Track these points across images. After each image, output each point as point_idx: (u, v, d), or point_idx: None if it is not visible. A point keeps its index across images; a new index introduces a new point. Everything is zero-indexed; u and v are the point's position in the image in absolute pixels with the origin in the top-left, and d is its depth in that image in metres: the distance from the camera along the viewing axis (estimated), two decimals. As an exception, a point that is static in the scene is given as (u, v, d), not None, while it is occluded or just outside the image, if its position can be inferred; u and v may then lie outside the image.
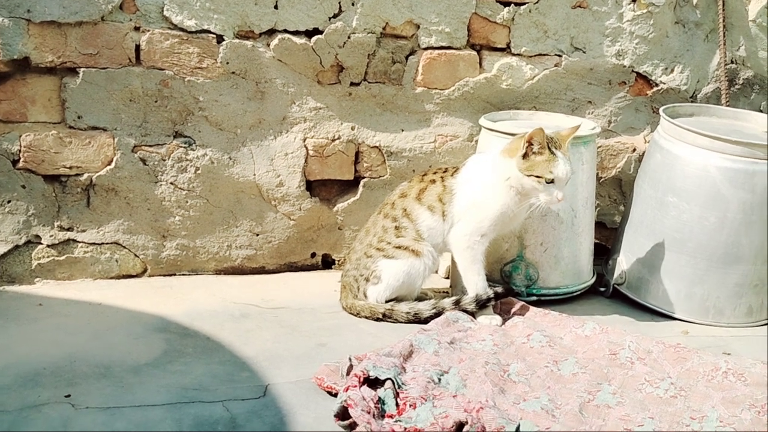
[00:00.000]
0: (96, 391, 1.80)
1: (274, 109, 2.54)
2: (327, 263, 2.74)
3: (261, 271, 2.66)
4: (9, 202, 2.36)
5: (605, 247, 2.80)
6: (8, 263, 2.40)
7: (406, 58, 2.60)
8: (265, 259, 2.65)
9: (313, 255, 2.72)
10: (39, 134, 2.34)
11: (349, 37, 2.51)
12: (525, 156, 2.14)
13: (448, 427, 1.62)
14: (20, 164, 2.35)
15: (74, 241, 2.45)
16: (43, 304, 2.29)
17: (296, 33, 2.48)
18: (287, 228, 2.64)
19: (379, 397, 1.73)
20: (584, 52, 2.70)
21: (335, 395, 1.82)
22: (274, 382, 1.90)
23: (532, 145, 2.13)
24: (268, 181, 2.58)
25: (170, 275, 2.57)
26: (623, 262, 2.54)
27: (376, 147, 2.65)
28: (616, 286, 2.56)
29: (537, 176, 2.13)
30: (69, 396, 1.77)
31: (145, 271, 2.55)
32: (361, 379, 1.77)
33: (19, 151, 2.34)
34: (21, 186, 2.36)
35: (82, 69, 2.32)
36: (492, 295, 2.27)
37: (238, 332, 2.18)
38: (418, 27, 2.57)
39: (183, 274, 2.58)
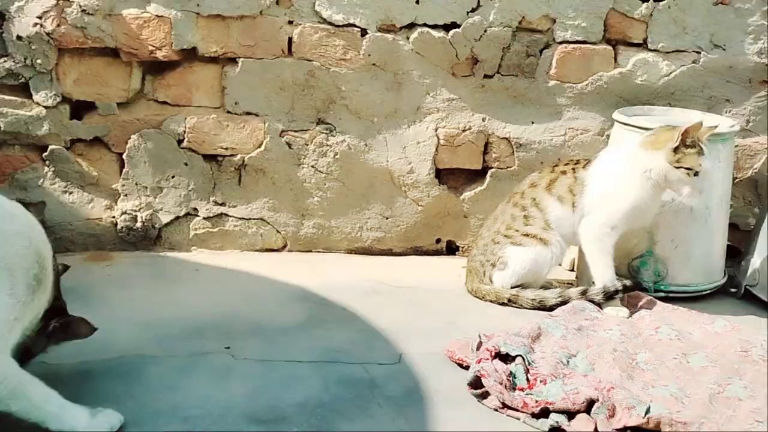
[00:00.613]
0: (251, 346, 2.00)
1: (409, 99, 2.68)
2: (451, 249, 2.86)
3: (388, 253, 2.81)
4: (173, 177, 2.62)
5: (737, 250, 2.76)
6: (170, 232, 2.67)
7: (541, 51, 2.67)
8: (393, 242, 2.80)
9: (438, 241, 2.84)
10: (201, 117, 2.59)
11: (485, 31, 2.61)
12: (676, 149, 2.18)
13: (579, 403, 1.70)
14: (184, 144, 2.61)
15: (226, 215, 2.69)
16: (199, 270, 2.54)
17: (435, 27, 2.61)
18: (415, 213, 2.78)
19: (510, 371, 1.82)
20: (724, 50, 2.67)
21: (466, 368, 1.93)
22: (407, 351, 2.04)
23: (687, 138, 2.17)
24: (399, 168, 2.73)
25: (307, 251, 2.76)
26: (757, 263, 2.51)
27: (506, 138, 2.74)
28: (748, 287, 2.53)
29: (687, 168, 2.17)
30: (228, 348, 1.98)
31: (285, 246, 2.76)
32: (493, 354, 1.87)
33: (184, 131, 2.60)
34: (184, 163, 2.62)
35: (241, 59, 2.55)
36: (620, 287, 2.31)
37: (371, 306, 2.33)
38: (554, 21, 2.64)
39: (318, 251, 2.77)
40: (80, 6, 2.40)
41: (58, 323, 1.62)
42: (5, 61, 2.42)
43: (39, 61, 2.43)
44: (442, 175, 2.78)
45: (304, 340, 2.06)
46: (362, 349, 2.03)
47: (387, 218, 2.77)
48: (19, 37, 2.40)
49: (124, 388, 1.74)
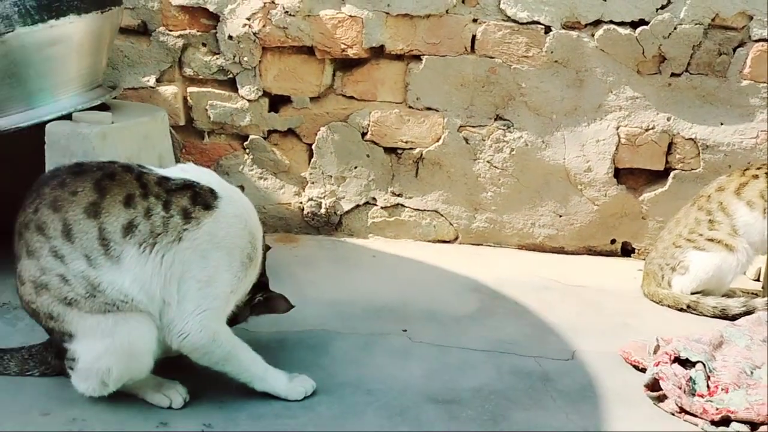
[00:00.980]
0: (426, 331, 2.10)
1: (590, 97, 2.65)
2: (626, 251, 2.80)
3: (560, 251, 2.80)
4: (356, 168, 2.79)
5: None
6: (350, 219, 2.84)
7: (734, 50, 2.54)
8: (565, 240, 2.79)
9: (613, 241, 2.79)
10: (385, 112, 2.73)
11: (675, 29, 2.53)
12: None
13: (763, 414, 1.63)
14: (367, 136, 2.76)
15: (402, 205, 2.81)
16: (376, 256, 2.68)
17: (621, 24, 2.57)
18: (590, 212, 2.75)
19: (690, 377, 1.78)
20: None
21: (641, 370, 1.91)
22: (579, 349, 2.04)
23: None
24: (576, 166, 2.71)
25: (477, 245, 2.83)
26: None
27: (691, 139, 2.64)
28: None
29: None
30: (405, 330, 2.09)
31: (456, 238, 2.84)
32: (672, 358, 1.84)
33: (368, 125, 2.75)
34: (366, 155, 2.78)
35: (425, 56, 2.66)
36: (814, 300, 2.17)
37: (542, 302, 2.35)
38: (751, 18, 2.50)
39: (488, 245, 2.82)
40: (284, 8, 2.62)
41: (262, 297, 1.81)
42: (217, 59, 2.70)
43: (245, 58, 2.68)
44: (620, 174, 2.73)
45: (476, 330, 2.13)
46: (535, 343, 2.06)
47: (560, 216, 2.77)
48: (230, 37, 2.66)
49: (313, 358, 1.90)
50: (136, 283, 1.55)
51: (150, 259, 1.56)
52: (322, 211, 2.82)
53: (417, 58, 2.67)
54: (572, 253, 2.79)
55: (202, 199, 1.63)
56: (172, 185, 1.63)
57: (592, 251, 2.79)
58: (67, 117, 2.08)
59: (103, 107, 2.19)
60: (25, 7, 1.94)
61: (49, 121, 2.05)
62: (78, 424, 1.58)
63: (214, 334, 1.62)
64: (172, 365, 1.69)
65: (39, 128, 2.07)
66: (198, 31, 2.68)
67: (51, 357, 1.72)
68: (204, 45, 2.69)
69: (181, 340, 1.60)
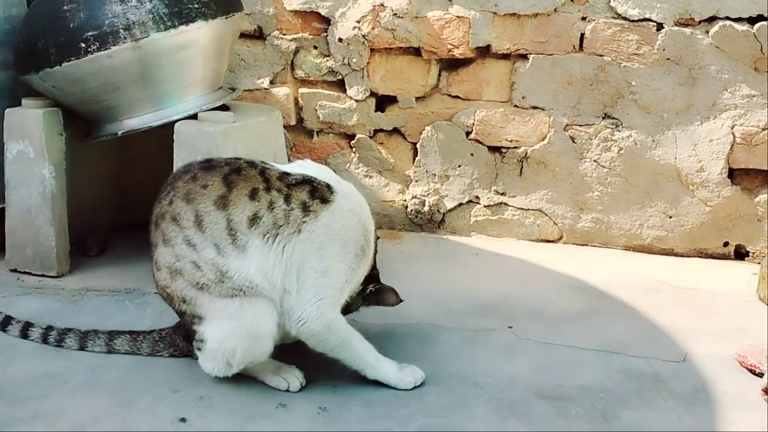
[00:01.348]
0: (531, 328, 2.11)
1: (704, 95, 2.58)
2: (740, 254, 2.70)
3: (669, 252, 2.73)
4: (459, 166, 2.82)
5: None
6: (453, 217, 2.88)
7: None
8: (675, 242, 2.72)
9: (726, 244, 2.70)
10: (489, 111, 2.75)
11: (798, 23, 2.43)
12: None
13: None
14: (472, 135, 2.79)
15: (505, 204, 2.83)
16: (478, 254, 2.71)
17: (737, 20, 2.48)
18: (702, 214, 2.67)
19: (814, 383, 1.71)
20: None
21: (758, 374, 1.85)
22: (692, 352, 2.00)
23: None
24: (688, 166, 2.64)
25: (582, 245, 2.80)
26: None
27: (815, 138, 2.52)
28: None
29: None
30: (511, 327, 2.11)
31: (560, 238, 2.82)
32: (793, 363, 1.77)
33: (473, 124, 2.78)
34: (470, 154, 2.81)
35: (531, 55, 2.66)
36: None
37: (652, 304, 2.30)
38: None
39: (593, 246, 2.79)
40: (392, 10, 2.69)
41: (373, 288, 1.87)
42: (327, 61, 2.80)
43: (354, 60, 2.77)
44: (735, 175, 2.63)
45: (583, 329, 2.12)
46: (644, 344, 2.03)
47: (670, 217, 2.70)
48: (340, 39, 2.76)
49: (421, 350, 1.95)
50: (260, 272, 1.65)
51: (272, 250, 1.66)
52: (426, 208, 2.88)
53: (523, 57, 2.68)
54: (682, 256, 2.72)
55: (320, 193, 1.72)
56: (292, 180, 1.72)
57: (703, 254, 2.71)
58: (193, 117, 2.22)
59: (223, 108, 2.33)
60: (158, 14, 2.09)
61: (177, 120, 2.20)
62: (205, 401, 1.69)
63: (330, 322, 1.70)
64: (289, 352, 1.79)
65: (165, 127, 2.22)
66: (310, 34, 2.80)
67: (179, 340, 1.85)
68: (315, 48, 2.80)
69: (299, 327, 1.69)
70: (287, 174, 1.74)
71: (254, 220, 1.66)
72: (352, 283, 1.77)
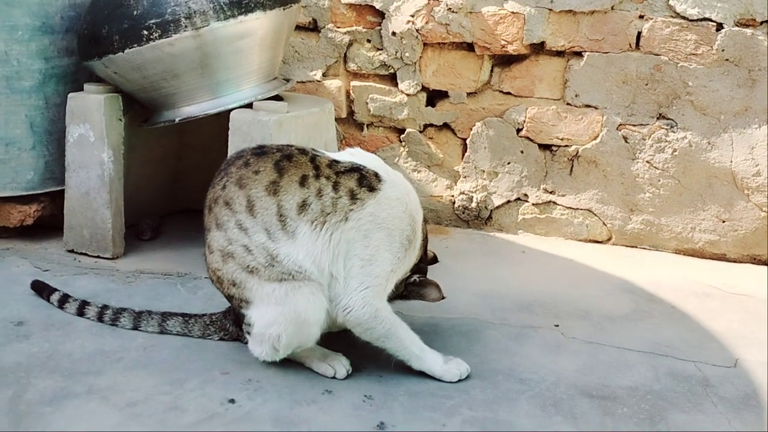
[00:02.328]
0: (578, 327, 2.09)
1: (762, 98, 2.52)
2: (795, 262, 2.64)
3: (721, 258, 2.68)
4: (509, 163, 2.81)
5: None
6: (500, 214, 2.87)
7: None
8: (728, 247, 2.67)
9: (781, 251, 2.63)
10: (541, 108, 2.73)
11: None
12: None
13: None
14: (522, 132, 2.78)
15: (554, 203, 2.80)
16: (525, 252, 2.70)
17: (803, 21, 2.42)
18: (756, 219, 2.61)
19: None
20: None
21: (812, 384, 1.81)
22: (743, 358, 1.96)
23: None
24: (744, 170, 2.58)
25: (631, 247, 2.76)
26: None
27: None
28: None
29: None
30: (557, 326, 2.10)
31: (609, 239, 2.79)
32: None
33: (524, 121, 2.76)
34: (520, 151, 2.79)
35: (586, 53, 2.63)
36: None
37: (702, 308, 2.27)
38: None
39: (643, 248, 2.75)
40: (447, 5, 2.69)
41: (418, 279, 1.88)
42: (380, 54, 2.82)
43: (407, 54, 2.78)
44: (792, 180, 2.57)
45: (631, 330, 2.09)
46: (693, 348, 2.00)
47: (723, 221, 2.65)
48: (393, 33, 2.77)
49: (466, 345, 1.96)
50: (308, 257, 1.67)
51: (320, 236, 1.68)
52: (473, 204, 2.87)
53: (578, 54, 2.65)
54: (735, 261, 2.67)
55: (368, 181, 1.73)
56: (341, 167, 1.74)
57: (756, 260, 2.65)
58: (248, 106, 2.26)
59: (277, 98, 2.36)
60: (219, 4, 2.13)
61: (233, 109, 2.24)
62: (253, 384, 1.73)
63: (376, 311, 1.72)
64: (336, 340, 1.81)
65: (220, 116, 2.27)
66: (363, 27, 2.82)
67: (229, 324, 1.89)
68: (368, 41, 2.82)
69: (345, 314, 1.71)
70: (337, 162, 1.76)
71: (303, 206, 1.69)
72: (398, 272, 1.78)
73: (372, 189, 1.73)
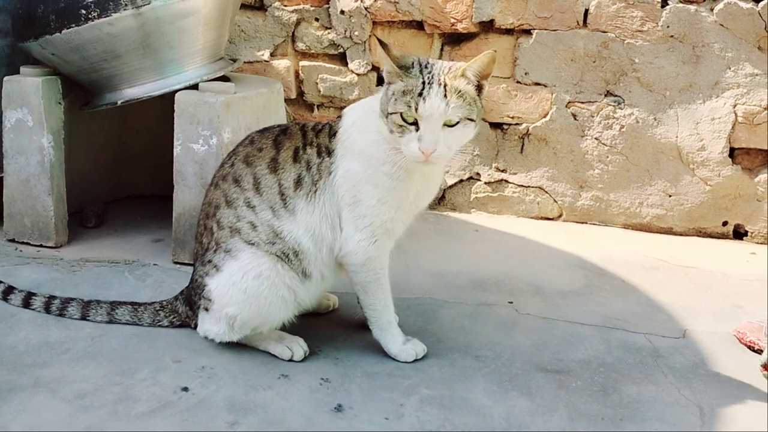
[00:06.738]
0: (532, 304, 2.11)
1: (707, 74, 2.57)
2: (738, 234, 2.71)
3: (668, 231, 2.74)
4: (461, 142, 2.81)
5: None
6: (453, 194, 2.87)
7: None
8: (674, 221, 2.73)
9: (725, 224, 2.70)
10: (492, 87, 2.73)
11: (804, 1, 2.41)
12: None
13: None
14: (473, 111, 2.77)
15: (506, 181, 2.82)
16: (478, 231, 2.71)
17: (743, -3, 2.47)
18: (701, 193, 2.67)
19: (811, 359, 1.72)
20: None
21: (757, 351, 1.87)
22: (691, 328, 2.01)
23: None
24: (689, 145, 2.64)
25: (581, 223, 2.80)
26: None
27: (817, 118, 2.52)
28: None
29: None
30: (511, 302, 2.11)
31: (560, 215, 2.82)
32: (792, 339, 1.78)
33: (475, 99, 2.76)
34: (471, 129, 2.79)
35: (535, 31, 2.64)
36: None
37: (650, 281, 2.31)
38: None
39: (593, 224, 2.79)
40: (395, -17, 2.66)
41: None
42: (329, 33, 2.77)
43: (356, 33, 2.74)
44: (735, 154, 2.63)
45: (583, 305, 2.12)
46: (643, 320, 2.04)
47: (670, 196, 2.70)
48: (342, 12, 2.73)
49: (422, 324, 1.95)
50: (307, 232, 1.68)
51: (316, 206, 1.69)
52: (426, 184, 2.86)
53: (527, 32, 2.66)
54: (681, 235, 2.73)
55: (333, 128, 1.73)
56: (319, 126, 1.75)
57: (702, 233, 2.72)
58: (194, 87, 2.20)
59: (224, 79, 2.30)
60: (160, -18, 2.06)
61: (178, 90, 2.17)
62: (207, 371, 1.69)
63: (367, 259, 1.69)
64: (294, 324, 1.78)
65: (164, 98, 2.20)
66: (311, 6, 2.77)
67: (180, 305, 1.84)
68: (317, 20, 2.77)
69: (341, 257, 1.71)
70: (319, 123, 1.77)
71: (299, 183, 1.70)
72: (392, 205, 1.65)
73: (335, 132, 1.71)
